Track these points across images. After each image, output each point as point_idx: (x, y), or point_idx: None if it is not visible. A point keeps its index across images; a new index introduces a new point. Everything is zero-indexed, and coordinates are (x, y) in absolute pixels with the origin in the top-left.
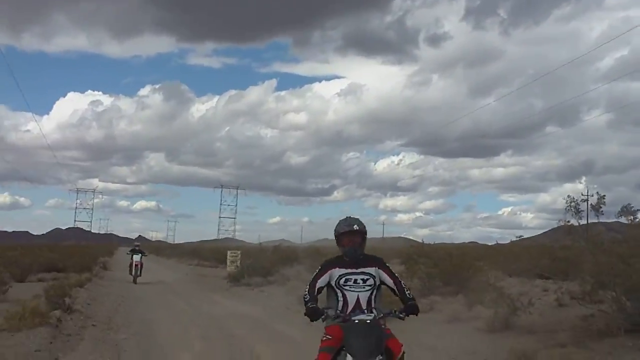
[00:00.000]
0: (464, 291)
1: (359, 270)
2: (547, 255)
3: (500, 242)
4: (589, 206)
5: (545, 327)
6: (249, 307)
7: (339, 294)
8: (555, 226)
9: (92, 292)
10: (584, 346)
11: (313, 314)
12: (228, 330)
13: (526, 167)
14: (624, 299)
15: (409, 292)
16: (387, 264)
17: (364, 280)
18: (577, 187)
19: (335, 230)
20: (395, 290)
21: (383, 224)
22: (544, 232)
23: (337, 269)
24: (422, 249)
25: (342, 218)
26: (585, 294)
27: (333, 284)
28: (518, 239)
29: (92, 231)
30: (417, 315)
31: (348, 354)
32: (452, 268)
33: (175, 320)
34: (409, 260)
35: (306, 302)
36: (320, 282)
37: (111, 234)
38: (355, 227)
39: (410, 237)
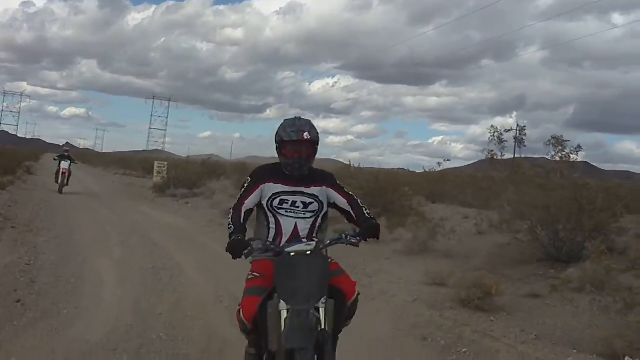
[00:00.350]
0: (387, 214)
1: (301, 189)
2: (471, 184)
3: (428, 170)
4: (516, 139)
5: (462, 253)
6: (172, 218)
7: (271, 219)
8: (483, 158)
9: (14, 195)
10: (497, 272)
11: (235, 248)
12: (150, 239)
13: (459, 98)
14: (539, 230)
15: (367, 211)
16: (338, 181)
17: (306, 204)
18: (508, 121)
19: (277, 134)
20: (351, 212)
21: None
22: (472, 163)
23: (272, 183)
24: (348, 171)
25: (288, 118)
26: (503, 223)
27: (264, 205)
28: (444, 162)
29: (19, 135)
30: (378, 238)
31: (281, 299)
32: (378, 191)
33: (98, 227)
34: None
35: (230, 234)
36: (250, 203)
37: (38, 139)
38: (307, 135)
39: (341, 160)
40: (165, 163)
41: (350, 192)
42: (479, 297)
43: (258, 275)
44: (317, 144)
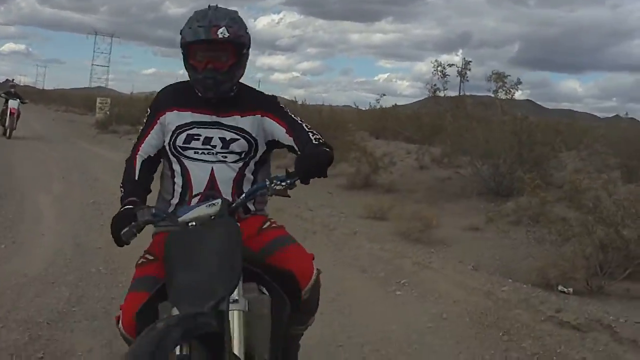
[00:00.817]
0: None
1: (219, 119)
2: (414, 120)
3: (374, 107)
4: (459, 73)
5: (403, 187)
6: (114, 154)
7: (175, 167)
8: (428, 95)
9: None
10: (438, 206)
11: (115, 228)
12: (91, 175)
13: (405, 34)
14: (479, 164)
15: (317, 136)
16: (282, 104)
17: (226, 142)
18: (454, 59)
19: (181, 33)
20: (293, 144)
21: (259, 82)
22: (418, 100)
23: (175, 111)
24: (295, 107)
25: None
26: (444, 157)
27: (166, 145)
28: (381, 97)
29: None
30: (324, 174)
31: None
32: (320, 126)
33: (38, 164)
34: None
35: (121, 200)
36: (149, 148)
37: None
38: (222, 32)
39: (286, 97)
40: (108, 99)
41: (293, 116)
42: (419, 230)
43: (152, 258)
44: (245, 48)
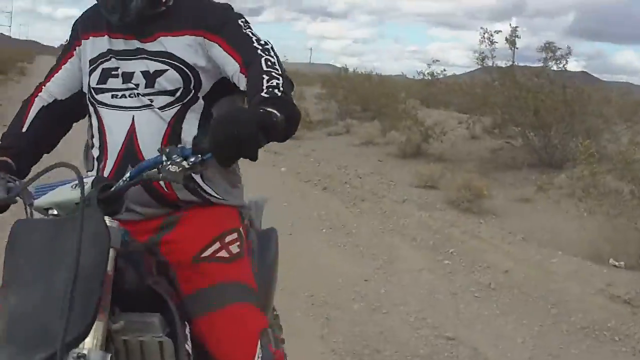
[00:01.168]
0: (380, 117)
1: (144, 45)
2: (465, 90)
3: (424, 77)
4: (507, 40)
5: (454, 157)
6: None
7: (93, 118)
8: (480, 66)
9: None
10: (489, 176)
11: None
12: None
13: (459, 2)
14: (531, 135)
15: (277, 81)
16: (243, 20)
17: (151, 75)
18: (507, 28)
19: None
20: (244, 81)
21: (311, 50)
22: (471, 71)
23: (92, 37)
24: (346, 75)
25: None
26: (496, 126)
27: (86, 89)
28: (433, 62)
29: (12, 37)
30: (253, 157)
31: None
32: (371, 94)
33: None
34: (328, 84)
35: None
36: (60, 85)
37: (32, 41)
38: None
39: (338, 65)
40: None
41: (255, 42)
42: (469, 200)
43: None
44: None
